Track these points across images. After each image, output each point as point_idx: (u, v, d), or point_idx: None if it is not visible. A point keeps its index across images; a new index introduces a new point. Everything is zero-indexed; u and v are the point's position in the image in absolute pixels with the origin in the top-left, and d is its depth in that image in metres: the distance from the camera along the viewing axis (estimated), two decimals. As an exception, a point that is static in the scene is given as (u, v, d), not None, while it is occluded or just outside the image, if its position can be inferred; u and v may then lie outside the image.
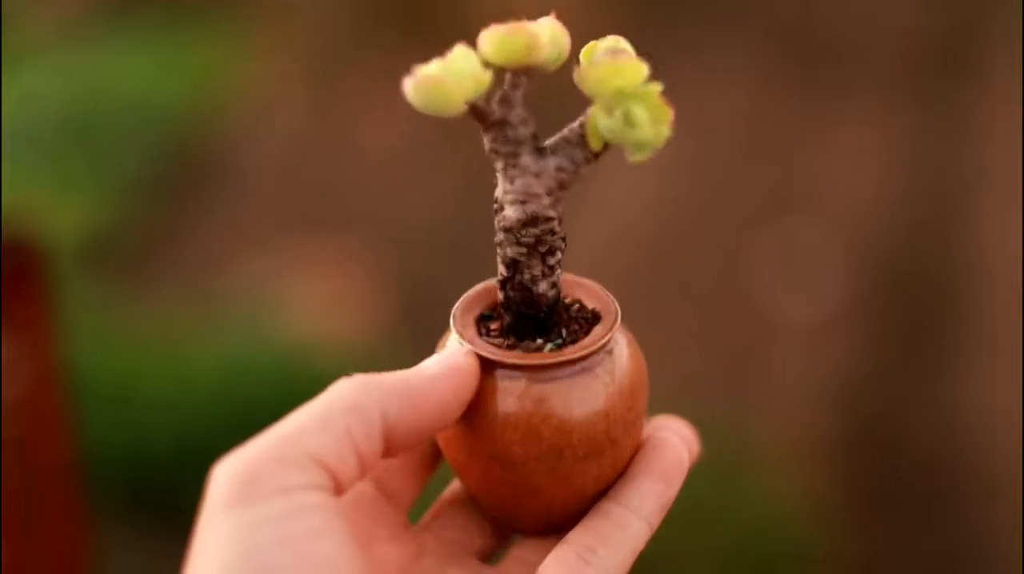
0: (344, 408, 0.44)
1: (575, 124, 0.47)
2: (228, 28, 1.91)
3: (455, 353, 0.47)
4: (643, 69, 0.45)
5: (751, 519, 1.34)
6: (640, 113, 0.45)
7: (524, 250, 0.47)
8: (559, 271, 0.49)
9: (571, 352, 0.47)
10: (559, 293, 0.49)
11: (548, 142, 0.48)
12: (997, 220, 1.63)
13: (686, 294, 1.59)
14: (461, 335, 0.48)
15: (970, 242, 1.62)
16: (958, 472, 1.37)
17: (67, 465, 0.88)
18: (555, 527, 0.49)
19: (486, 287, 0.50)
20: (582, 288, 0.50)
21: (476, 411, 0.47)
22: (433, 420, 0.45)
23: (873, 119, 1.79)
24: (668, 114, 0.46)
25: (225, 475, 0.42)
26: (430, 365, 0.46)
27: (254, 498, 0.41)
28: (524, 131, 0.47)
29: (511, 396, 0.46)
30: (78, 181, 1.64)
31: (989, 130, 1.74)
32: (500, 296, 0.49)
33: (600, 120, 0.46)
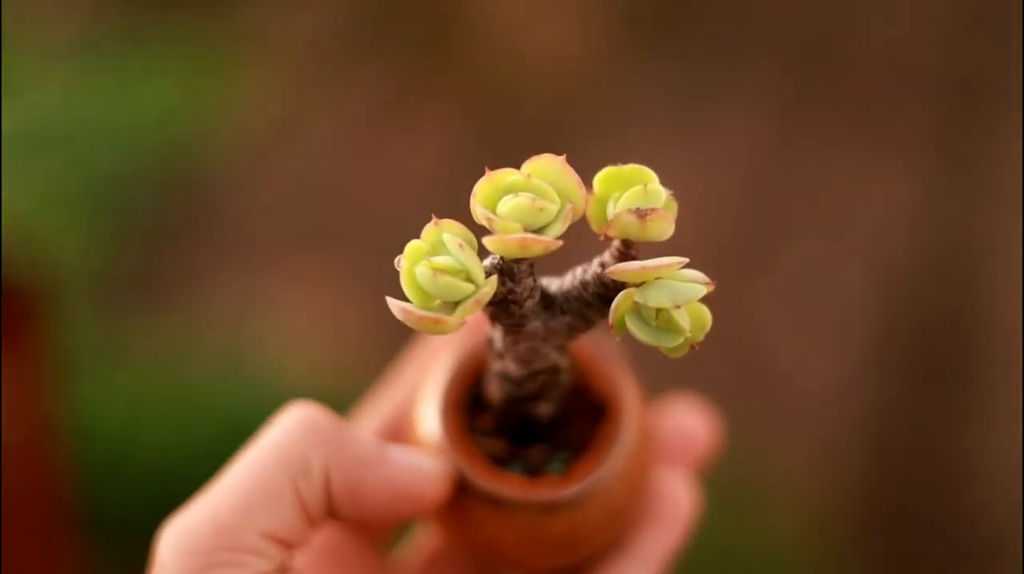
0: (293, 468, 0.40)
1: (588, 277, 0.41)
2: (227, 50, 1.90)
3: (429, 475, 0.42)
4: (680, 266, 0.40)
5: (761, 558, 1.33)
6: (680, 320, 0.40)
7: (527, 393, 0.43)
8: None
9: (579, 477, 0.42)
10: (558, 407, 0.44)
11: (556, 289, 0.41)
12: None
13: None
14: (453, 447, 0.43)
15: (994, 290, 1.61)
16: (977, 523, 1.36)
17: (66, 508, 0.86)
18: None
19: (473, 357, 0.45)
20: (594, 369, 0.45)
21: (471, 528, 0.43)
22: (372, 515, 0.41)
23: (892, 160, 1.78)
24: (707, 318, 0.41)
25: (174, 554, 0.39)
26: (397, 465, 0.41)
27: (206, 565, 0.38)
28: (531, 304, 0.41)
29: (511, 523, 0.43)
30: (71, 209, 1.62)
31: (1015, 172, 1.73)
32: (492, 400, 0.44)
33: (630, 321, 0.40)
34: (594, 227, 0.39)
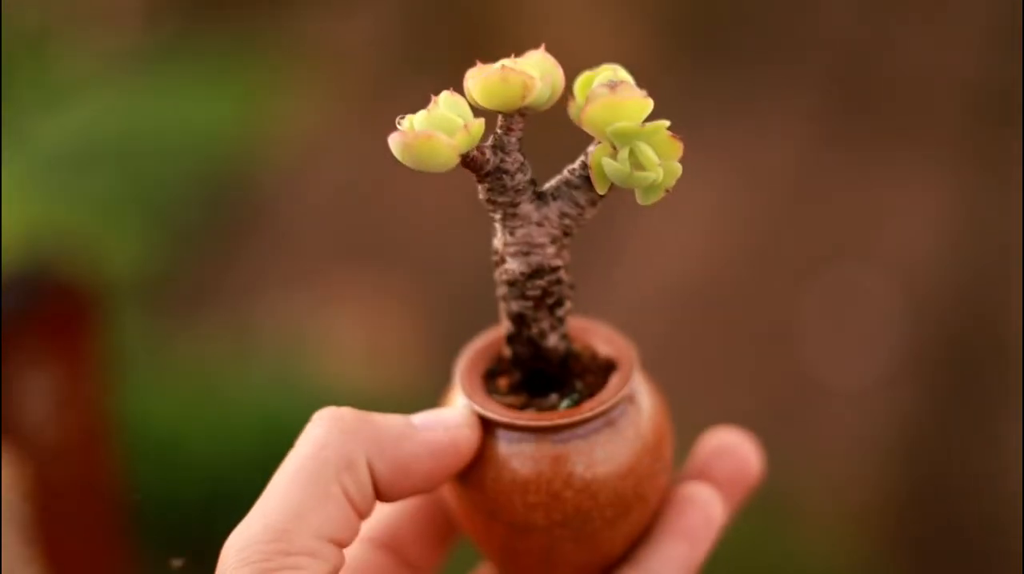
0: (336, 466, 0.42)
1: (576, 165, 0.44)
2: (275, 64, 1.92)
3: (455, 423, 0.44)
4: (646, 104, 0.42)
5: (794, 569, 1.33)
6: (648, 153, 0.42)
7: (530, 303, 0.44)
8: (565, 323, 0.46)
9: (589, 407, 0.44)
10: (569, 344, 0.46)
11: (548, 185, 0.45)
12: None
13: (734, 345, 1.58)
14: (469, 397, 0.45)
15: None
16: (1014, 536, 1.36)
17: (114, 505, 0.88)
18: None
19: (491, 339, 0.47)
20: (594, 334, 0.47)
21: (491, 477, 0.44)
22: (419, 485, 0.43)
23: (929, 171, 1.78)
24: (677, 149, 0.43)
25: (234, 565, 0.40)
26: (425, 429, 0.44)
27: None
28: (522, 178, 0.44)
29: (528, 460, 0.43)
30: (124, 216, 1.64)
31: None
32: (507, 352, 0.46)
33: (605, 163, 0.42)
34: (573, 118, 0.42)
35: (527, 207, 0.44)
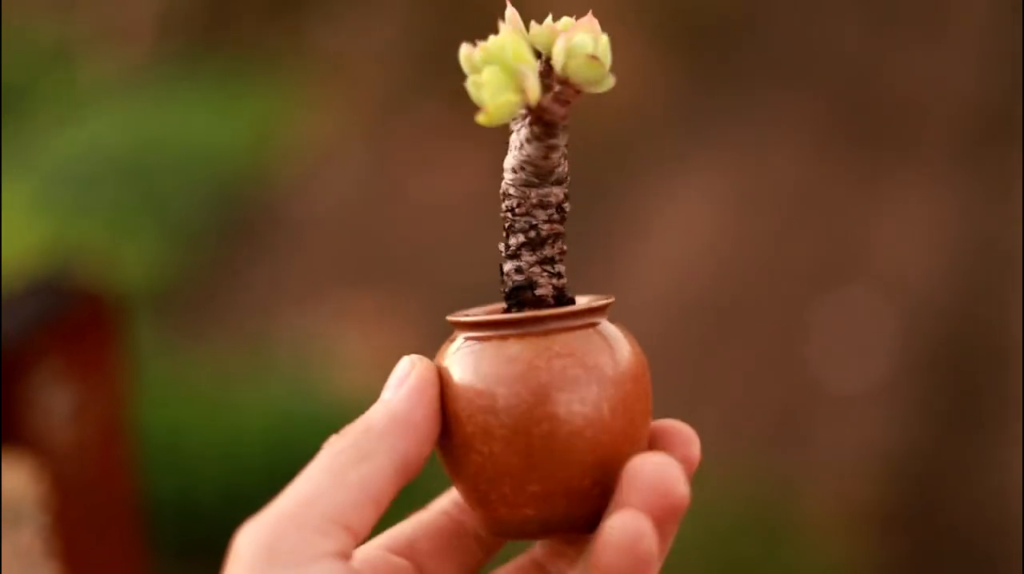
0: (349, 459, 0.44)
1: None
2: (286, 79, 1.93)
3: (405, 368, 0.48)
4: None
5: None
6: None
7: (549, 173, 0.48)
8: (530, 261, 0.48)
9: (553, 310, 0.47)
10: (528, 283, 0.49)
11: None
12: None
13: (737, 356, 1.59)
14: (458, 321, 0.49)
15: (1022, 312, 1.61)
16: (1005, 546, 1.36)
17: (130, 510, 0.90)
18: (567, 519, 0.47)
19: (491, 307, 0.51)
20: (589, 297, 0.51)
21: (475, 373, 0.47)
22: (431, 430, 0.46)
23: (927, 186, 1.79)
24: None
25: (246, 543, 0.42)
26: (393, 389, 0.47)
27: (272, 569, 0.42)
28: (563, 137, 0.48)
29: (509, 350, 0.46)
30: (138, 229, 1.66)
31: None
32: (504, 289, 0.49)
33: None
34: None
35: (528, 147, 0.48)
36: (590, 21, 0.47)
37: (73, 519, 0.84)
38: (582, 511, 0.46)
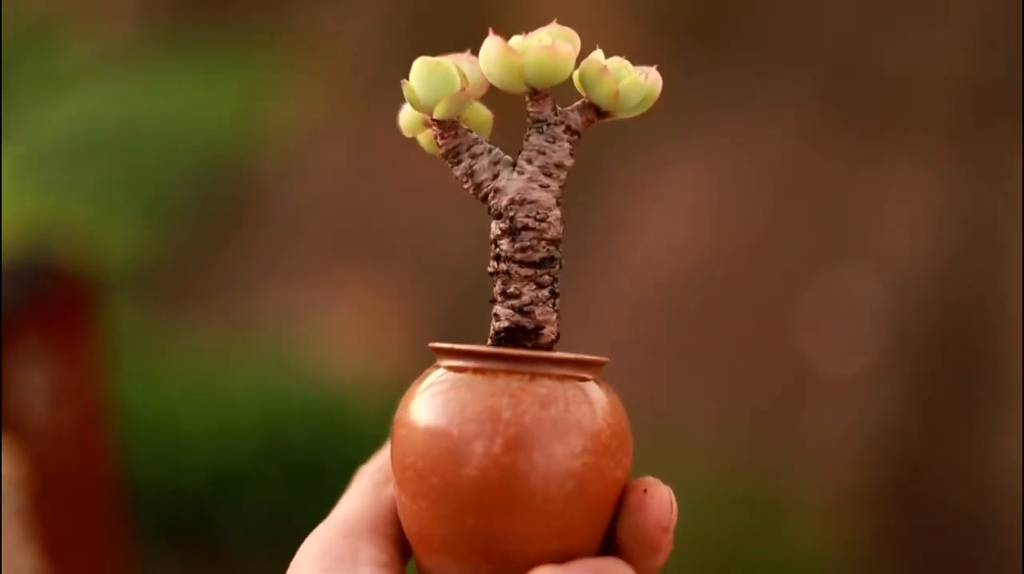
0: (382, 481, 0.47)
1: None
2: (272, 56, 1.92)
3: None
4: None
5: (784, 564, 1.33)
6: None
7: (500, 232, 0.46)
8: (555, 304, 0.45)
9: (527, 351, 0.43)
10: (555, 335, 0.45)
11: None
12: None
13: (728, 339, 1.59)
14: (440, 350, 0.45)
15: (1016, 294, 1.61)
16: (995, 528, 1.37)
17: (111, 492, 0.89)
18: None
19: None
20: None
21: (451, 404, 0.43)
22: None
23: (920, 169, 1.79)
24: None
25: (303, 551, 0.46)
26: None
27: (328, 567, 0.45)
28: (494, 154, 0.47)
29: (477, 389, 0.43)
30: (121, 207, 1.65)
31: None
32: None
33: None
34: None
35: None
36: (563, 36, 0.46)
37: (53, 501, 0.83)
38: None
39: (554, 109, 0.46)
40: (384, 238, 1.74)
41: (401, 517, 0.45)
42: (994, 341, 1.56)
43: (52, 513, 0.82)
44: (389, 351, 1.56)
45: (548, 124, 0.46)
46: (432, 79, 0.45)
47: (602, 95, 0.46)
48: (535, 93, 0.46)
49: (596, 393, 0.43)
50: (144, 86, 1.82)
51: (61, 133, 1.65)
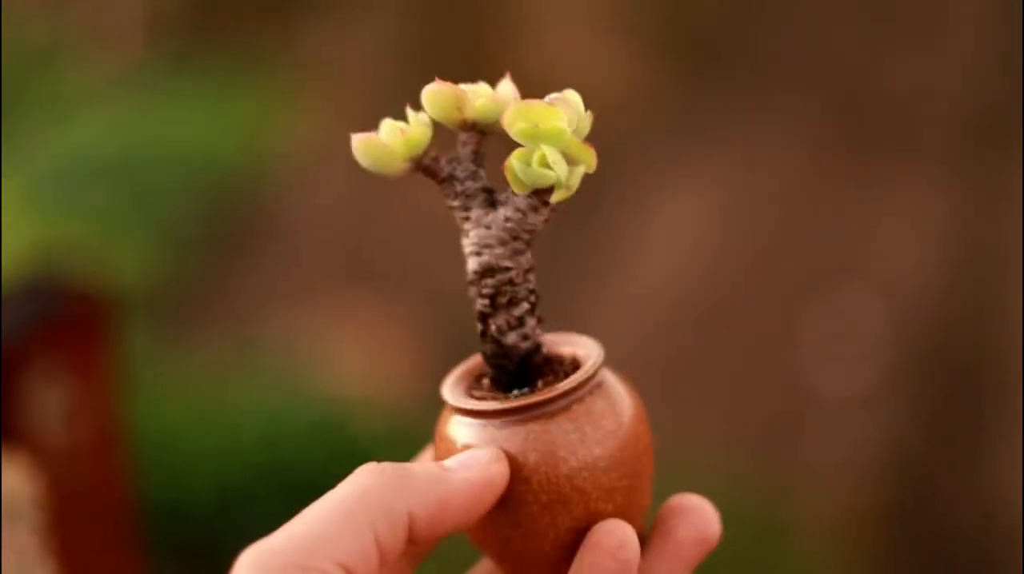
0: (373, 510, 0.43)
1: None
2: (279, 80, 1.93)
3: (487, 459, 0.46)
4: (554, 112, 0.46)
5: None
6: (552, 154, 0.45)
7: (487, 301, 0.47)
8: (532, 323, 0.48)
9: (527, 397, 0.46)
10: (534, 345, 0.48)
11: (502, 195, 0.48)
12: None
13: (729, 359, 1.59)
14: (445, 388, 0.48)
15: (1017, 316, 1.61)
16: (998, 549, 1.37)
17: (126, 510, 0.90)
18: None
19: (476, 360, 0.49)
20: (570, 343, 0.49)
21: (442, 456, 0.47)
22: (459, 523, 0.45)
23: (922, 189, 1.79)
24: (590, 155, 0.46)
25: (246, 564, 0.42)
26: (460, 469, 0.45)
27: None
28: (472, 185, 0.48)
29: (474, 440, 0.46)
30: (130, 229, 1.65)
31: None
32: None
33: (515, 163, 0.46)
34: (505, 125, 0.47)
35: (477, 212, 0.48)
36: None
37: (69, 518, 0.84)
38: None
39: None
40: (389, 262, 1.75)
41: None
42: (996, 363, 1.56)
43: (69, 530, 0.83)
44: (393, 374, 1.56)
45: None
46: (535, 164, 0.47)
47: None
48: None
49: (600, 402, 0.47)
50: (151, 110, 1.82)
51: (69, 156, 1.66)
